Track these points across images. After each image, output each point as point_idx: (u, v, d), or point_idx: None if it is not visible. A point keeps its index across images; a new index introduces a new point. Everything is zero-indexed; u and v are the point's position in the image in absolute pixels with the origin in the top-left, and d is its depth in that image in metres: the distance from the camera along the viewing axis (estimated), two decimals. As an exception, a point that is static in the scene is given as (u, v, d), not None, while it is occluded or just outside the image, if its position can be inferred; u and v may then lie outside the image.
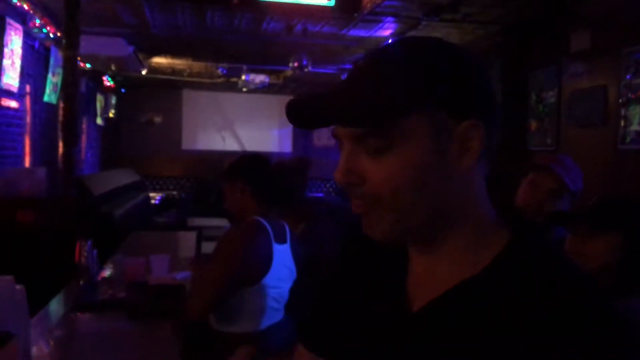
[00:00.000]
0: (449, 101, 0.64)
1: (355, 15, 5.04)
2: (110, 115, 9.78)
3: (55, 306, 2.37)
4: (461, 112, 0.65)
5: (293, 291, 2.13)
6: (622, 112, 4.21)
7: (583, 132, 4.68)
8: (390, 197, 0.65)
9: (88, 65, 7.03)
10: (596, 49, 4.49)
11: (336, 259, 0.85)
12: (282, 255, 2.10)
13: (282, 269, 2.09)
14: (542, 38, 5.26)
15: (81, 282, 2.43)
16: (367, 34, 5.78)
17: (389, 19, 5.18)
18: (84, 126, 8.07)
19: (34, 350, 1.82)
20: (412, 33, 5.43)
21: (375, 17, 5.09)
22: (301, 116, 0.66)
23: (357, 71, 0.68)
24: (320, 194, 10.07)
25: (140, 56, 7.30)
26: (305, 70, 6.57)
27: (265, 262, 2.03)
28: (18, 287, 1.77)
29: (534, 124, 5.38)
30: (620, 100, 4.23)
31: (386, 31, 5.66)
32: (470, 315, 0.63)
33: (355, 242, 0.80)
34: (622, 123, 4.21)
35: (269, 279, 2.04)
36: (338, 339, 0.76)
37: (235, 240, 2.03)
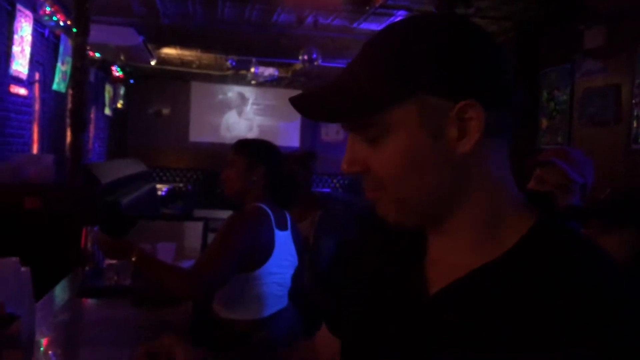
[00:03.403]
0: (439, 84, 0.62)
1: (367, 8, 5.01)
2: (119, 105, 9.79)
3: (60, 291, 2.36)
4: (455, 93, 0.62)
5: (295, 278, 2.12)
6: (635, 111, 4.16)
7: (595, 131, 4.63)
8: (391, 183, 0.65)
9: (97, 55, 7.04)
10: (610, 47, 4.44)
11: (354, 244, 0.84)
12: (284, 242, 2.08)
13: (285, 255, 2.07)
14: (555, 35, 5.21)
15: (87, 269, 2.41)
16: (378, 28, 5.74)
17: (401, 12, 5.14)
18: (92, 116, 8.07)
19: (38, 333, 1.81)
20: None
21: (386, 10, 5.06)
22: (302, 111, 0.68)
23: (349, 65, 0.69)
24: (327, 190, 10.06)
25: (150, 47, 7.30)
26: (315, 63, 6.54)
27: (268, 248, 2.01)
28: (24, 269, 1.75)
29: (544, 122, 5.34)
30: (633, 101, 4.18)
31: (397, 25, 5.62)
32: (487, 300, 0.61)
33: (372, 227, 0.80)
34: (635, 123, 4.16)
35: (272, 265, 2.02)
36: (356, 324, 0.75)
37: (237, 225, 2.01)
